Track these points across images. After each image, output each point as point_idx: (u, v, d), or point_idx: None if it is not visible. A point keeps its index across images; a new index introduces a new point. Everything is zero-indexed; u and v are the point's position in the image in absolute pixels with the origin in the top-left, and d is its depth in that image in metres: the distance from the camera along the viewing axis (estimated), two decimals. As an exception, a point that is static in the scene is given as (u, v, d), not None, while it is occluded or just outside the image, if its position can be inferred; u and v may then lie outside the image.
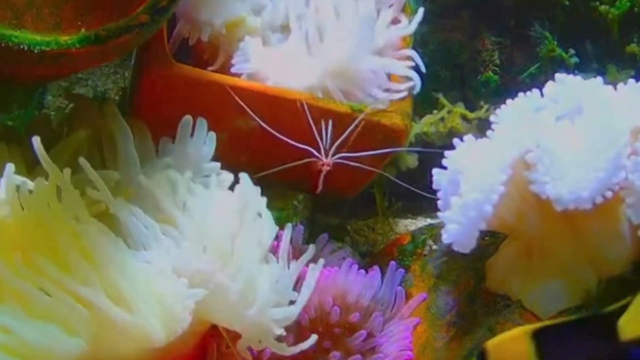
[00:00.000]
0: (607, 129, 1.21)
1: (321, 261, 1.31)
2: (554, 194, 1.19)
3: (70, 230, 1.17)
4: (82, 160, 1.21)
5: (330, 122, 1.43)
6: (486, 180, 1.23)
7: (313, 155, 1.43)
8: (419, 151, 1.46)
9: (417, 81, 1.50)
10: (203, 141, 1.36)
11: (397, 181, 1.52)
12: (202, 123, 1.36)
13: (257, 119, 1.40)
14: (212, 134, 1.36)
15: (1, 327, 1.09)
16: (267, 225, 1.29)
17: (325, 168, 1.44)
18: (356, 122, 1.43)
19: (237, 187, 1.30)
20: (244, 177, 1.30)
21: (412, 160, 1.64)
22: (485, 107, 1.70)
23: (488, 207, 1.22)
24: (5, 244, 1.15)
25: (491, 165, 1.24)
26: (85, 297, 1.13)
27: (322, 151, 1.43)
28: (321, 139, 1.43)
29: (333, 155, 1.43)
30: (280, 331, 1.24)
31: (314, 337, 1.27)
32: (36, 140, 1.16)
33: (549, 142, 1.23)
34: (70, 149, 1.33)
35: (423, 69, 1.51)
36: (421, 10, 1.51)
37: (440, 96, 1.69)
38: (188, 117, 1.36)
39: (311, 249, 1.32)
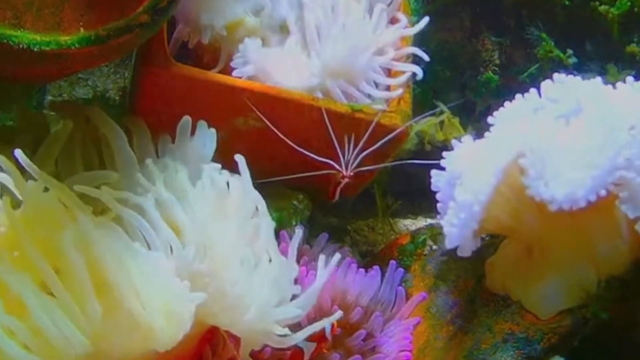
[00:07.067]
0: (606, 129, 1.21)
1: (331, 265, 1.30)
2: (547, 196, 1.20)
3: (77, 229, 1.17)
4: (77, 187, 1.22)
5: (352, 136, 1.43)
6: (477, 182, 1.25)
7: (334, 168, 1.44)
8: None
9: (419, 73, 1.50)
10: (203, 142, 1.36)
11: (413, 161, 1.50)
12: (202, 124, 1.36)
13: (278, 132, 1.40)
14: (213, 133, 1.36)
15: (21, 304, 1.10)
16: (264, 224, 1.29)
17: (345, 180, 1.44)
18: (370, 128, 1.43)
19: (233, 185, 1.30)
20: (242, 167, 1.30)
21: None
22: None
23: (477, 207, 1.24)
24: (11, 240, 1.17)
25: (485, 168, 1.25)
26: (112, 280, 1.13)
27: (343, 164, 1.43)
28: (342, 152, 1.43)
29: (352, 166, 1.44)
30: (284, 331, 1.24)
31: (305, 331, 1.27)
32: (19, 153, 1.18)
33: (543, 145, 1.23)
34: (59, 142, 1.33)
35: (427, 59, 1.51)
36: (426, 19, 1.52)
37: (441, 104, 1.69)
38: (187, 118, 1.36)
39: (298, 232, 1.31)
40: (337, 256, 1.31)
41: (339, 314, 1.30)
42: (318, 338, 1.31)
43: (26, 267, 1.13)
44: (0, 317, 1.10)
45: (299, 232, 1.29)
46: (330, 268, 1.29)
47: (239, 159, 1.29)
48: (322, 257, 1.30)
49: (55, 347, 1.10)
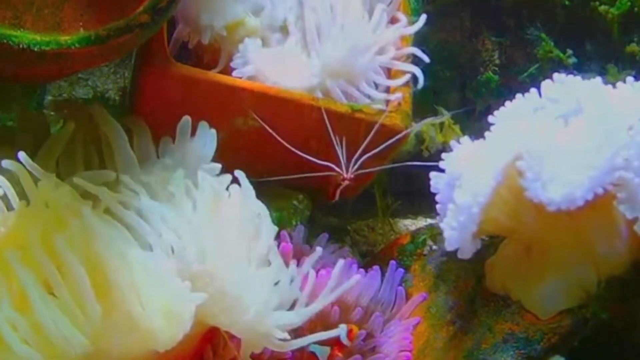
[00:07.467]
0: (605, 129, 1.21)
1: (345, 287, 1.30)
2: (545, 198, 1.20)
3: (79, 229, 1.17)
4: (77, 180, 1.23)
5: (344, 138, 1.43)
6: (477, 184, 1.25)
7: (334, 171, 1.43)
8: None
9: (420, 76, 1.50)
10: (204, 143, 1.35)
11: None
12: (203, 125, 1.36)
13: (277, 136, 1.40)
14: (213, 134, 1.36)
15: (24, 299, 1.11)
16: (265, 226, 1.28)
17: (346, 182, 1.44)
18: (373, 131, 1.43)
19: (234, 189, 1.30)
20: (241, 179, 1.30)
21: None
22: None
23: (476, 209, 1.24)
24: (12, 240, 1.17)
25: (484, 170, 1.25)
26: (112, 280, 1.14)
27: (343, 165, 1.43)
28: (341, 153, 1.43)
29: (352, 167, 1.43)
30: (284, 335, 1.23)
31: (307, 339, 1.27)
32: (22, 155, 1.19)
33: (541, 146, 1.23)
34: (61, 142, 1.34)
35: (427, 60, 1.51)
36: (423, 16, 1.52)
37: (442, 109, 1.69)
38: (187, 118, 1.36)
39: (318, 251, 1.31)
40: (357, 277, 1.32)
41: (343, 327, 1.31)
42: (333, 342, 1.31)
43: (31, 266, 1.13)
44: (6, 312, 1.10)
45: (318, 249, 1.29)
46: (340, 290, 1.30)
47: (239, 175, 1.29)
48: (337, 270, 1.30)
49: (55, 346, 1.11)
